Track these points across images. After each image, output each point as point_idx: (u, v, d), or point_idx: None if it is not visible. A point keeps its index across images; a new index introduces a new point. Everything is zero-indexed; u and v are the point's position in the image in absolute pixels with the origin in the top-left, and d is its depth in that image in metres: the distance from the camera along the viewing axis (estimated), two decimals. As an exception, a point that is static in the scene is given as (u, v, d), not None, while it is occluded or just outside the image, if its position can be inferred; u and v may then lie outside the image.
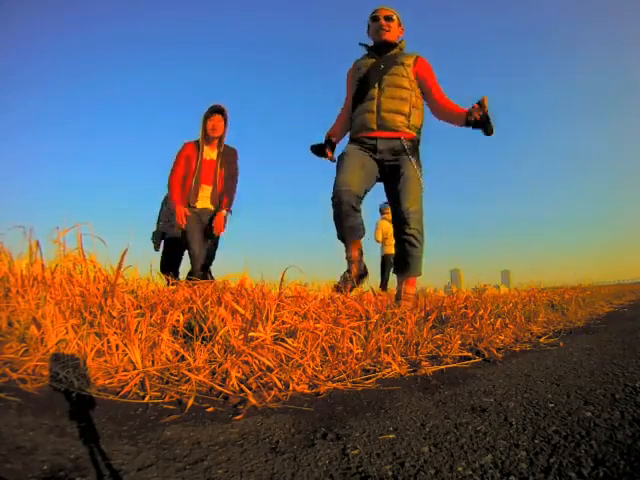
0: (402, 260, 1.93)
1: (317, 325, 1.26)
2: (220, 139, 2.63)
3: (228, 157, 2.67)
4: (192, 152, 2.59)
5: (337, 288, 1.85)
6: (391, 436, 0.70)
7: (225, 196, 2.61)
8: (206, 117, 2.57)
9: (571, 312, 2.75)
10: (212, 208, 2.61)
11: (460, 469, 0.56)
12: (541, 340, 1.74)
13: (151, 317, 1.11)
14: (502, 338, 1.68)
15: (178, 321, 1.15)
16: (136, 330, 1.04)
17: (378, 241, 5.66)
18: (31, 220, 1.38)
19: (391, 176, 1.93)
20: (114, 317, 1.09)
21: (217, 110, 2.60)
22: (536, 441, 0.64)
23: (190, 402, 0.85)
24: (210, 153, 2.63)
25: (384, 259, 5.64)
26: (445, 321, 1.68)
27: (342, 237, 1.93)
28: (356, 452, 0.64)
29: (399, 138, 1.89)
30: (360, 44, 2.09)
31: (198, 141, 2.61)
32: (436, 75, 1.97)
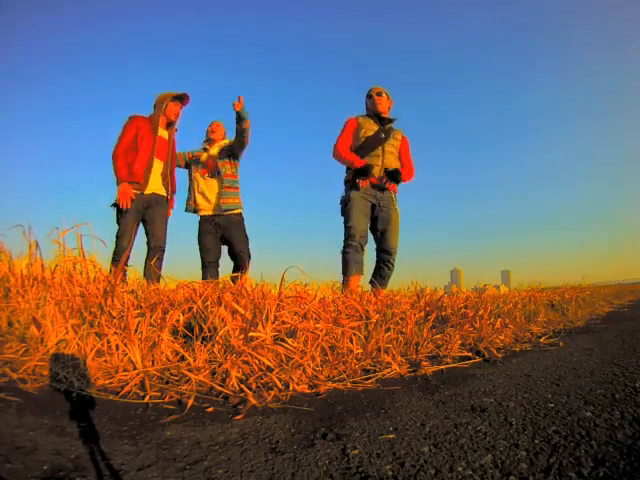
0: (380, 277, 2.57)
1: (317, 325, 1.26)
2: (174, 125, 2.66)
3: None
4: (144, 126, 2.51)
5: None
6: (391, 436, 0.70)
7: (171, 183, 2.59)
8: (171, 100, 2.57)
9: (571, 312, 2.75)
10: (162, 193, 2.53)
11: (460, 469, 0.56)
12: (541, 340, 1.74)
13: (151, 317, 1.11)
14: (502, 338, 1.68)
15: (178, 321, 1.15)
16: (136, 330, 1.04)
17: None
18: (31, 220, 1.38)
19: (379, 216, 2.57)
20: (114, 317, 1.09)
21: (183, 99, 2.62)
22: (536, 441, 0.64)
23: (190, 402, 0.85)
24: (164, 133, 2.61)
25: None
26: (444, 321, 1.68)
27: (350, 274, 2.43)
28: (356, 452, 0.64)
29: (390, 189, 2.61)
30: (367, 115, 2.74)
31: (151, 118, 2.56)
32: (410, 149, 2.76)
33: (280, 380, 1.00)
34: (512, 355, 1.47)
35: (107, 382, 0.91)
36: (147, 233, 2.45)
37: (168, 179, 2.57)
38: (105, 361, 0.97)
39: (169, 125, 2.63)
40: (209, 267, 2.64)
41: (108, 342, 1.00)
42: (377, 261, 2.63)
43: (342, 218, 2.58)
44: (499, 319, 1.87)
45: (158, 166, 2.52)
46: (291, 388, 0.98)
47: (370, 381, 1.09)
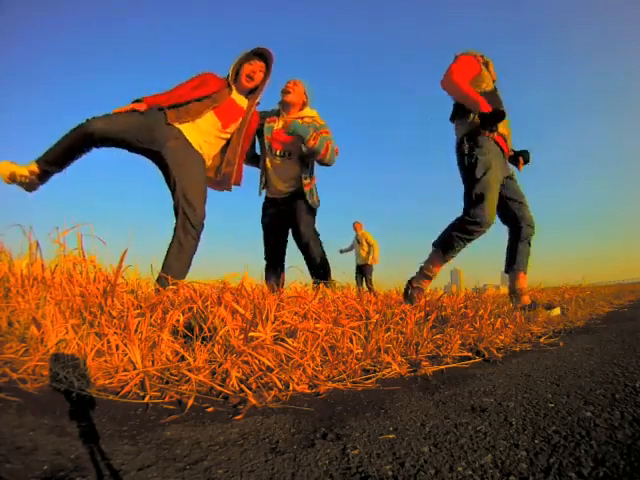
0: (526, 258, 2.27)
1: (317, 325, 1.26)
2: (255, 92, 2.09)
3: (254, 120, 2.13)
4: (215, 83, 1.95)
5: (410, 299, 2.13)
6: (391, 436, 0.70)
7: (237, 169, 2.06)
8: (244, 59, 2.03)
9: (571, 312, 2.75)
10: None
11: (460, 469, 0.56)
12: (541, 340, 1.74)
13: (151, 317, 1.11)
14: (502, 338, 1.68)
15: (178, 321, 1.15)
16: (136, 330, 1.04)
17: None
18: (31, 220, 1.38)
19: (509, 184, 2.23)
20: (114, 317, 1.09)
21: (260, 54, 2.03)
22: (536, 441, 0.64)
23: (190, 402, 0.85)
24: (241, 99, 2.06)
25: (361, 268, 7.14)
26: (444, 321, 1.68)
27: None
28: (356, 452, 0.64)
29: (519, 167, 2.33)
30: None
31: (227, 79, 2.03)
32: None
33: (280, 380, 1.00)
34: (512, 355, 1.47)
35: (107, 382, 0.91)
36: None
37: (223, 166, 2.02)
38: (105, 361, 0.97)
39: (249, 93, 2.09)
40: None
41: (108, 342, 1.00)
42: (516, 239, 2.22)
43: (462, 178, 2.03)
44: (499, 319, 1.87)
45: (217, 143, 2.00)
46: (291, 388, 0.98)
47: (370, 381, 1.09)
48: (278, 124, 2.38)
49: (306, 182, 2.35)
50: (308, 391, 1.00)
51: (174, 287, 1.35)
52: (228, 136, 2.06)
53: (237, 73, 2.07)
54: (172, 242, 1.78)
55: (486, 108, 1.90)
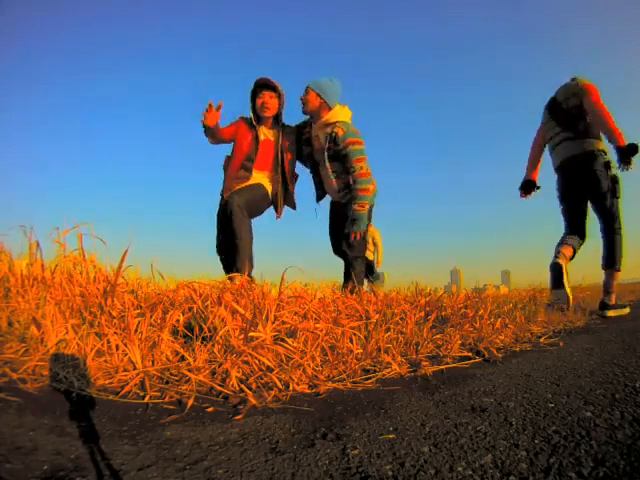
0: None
1: (317, 325, 1.26)
2: (276, 119, 2.25)
3: (289, 138, 2.29)
4: (245, 127, 2.20)
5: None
6: (391, 436, 0.70)
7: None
8: (254, 93, 2.21)
9: (571, 312, 2.75)
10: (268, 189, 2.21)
11: (460, 469, 0.56)
12: (541, 340, 1.74)
13: (151, 317, 1.11)
14: (502, 338, 1.68)
15: (178, 321, 1.15)
16: (136, 330, 1.04)
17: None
18: (31, 220, 1.38)
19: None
20: (114, 317, 1.09)
21: (265, 85, 2.18)
22: (536, 441, 0.64)
23: (190, 402, 0.85)
24: (267, 133, 2.25)
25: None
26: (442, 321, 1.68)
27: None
28: (356, 452, 0.64)
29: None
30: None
31: (250, 118, 2.23)
32: None
33: (280, 380, 1.00)
34: (512, 355, 1.47)
35: (107, 382, 0.91)
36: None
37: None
38: (105, 361, 0.97)
39: (269, 121, 2.24)
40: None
41: (108, 342, 1.00)
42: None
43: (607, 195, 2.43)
44: (499, 319, 1.87)
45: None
46: (291, 388, 0.98)
47: (370, 381, 1.09)
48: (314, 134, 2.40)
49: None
50: (308, 391, 1.00)
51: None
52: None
53: (255, 111, 2.25)
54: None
55: (623, 142, 2.24)
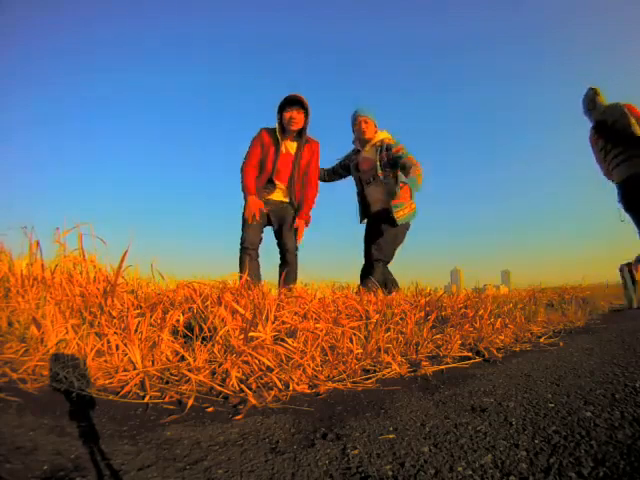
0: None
1: (317, 325, 1.26)
2: (300, 133, 2.38)
3: (309, 152, 2.43)
4: (268, 140, 2.35)
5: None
6: (391, 436, 0.70)
7: (304, 204, 2.40)
8: (281, 108, 2.33)
9: (571, 312, 2.75)
10: (286, 201, 2.40)
11: (460, 469, 0.56)
12: (541, 340, 1.74)
13: (151, 317, 1.11)
14: (502, 338, 1.68)
15: (178, 321, 1.15)
16: (136, 330, 1.04)
17: None
18: (31, 220, 1.38)
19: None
20: (114, 317, 1.09)
21: (295, 102, 2.31)
22: (536, 441, 0.64)
23: (190, 402, 0.85)
24: (288, 146, 2.38)
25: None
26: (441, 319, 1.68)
27: None
28: (356, 452, 0.64)
29: None
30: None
31: (275, 130, 2.36)
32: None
33: (280, 380, 1.00)
34: (512, 355, 1.47)
35: (107, 382, 0.91)
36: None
37: (292, 198, 2.39)
38: (105, 361, 0.97)
39: (293, 134, 2.37)
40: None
41: (108, 342, 1.00)
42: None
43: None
44: (499, 319, 1.87)
45: (279, 191, 2.38)
46: (291, 388, 0.98)
47: (370, 381, 1.09)
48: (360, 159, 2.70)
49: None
50: (308, 391, 1.00)
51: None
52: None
53: (280, 122, 2.38)
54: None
55: None
